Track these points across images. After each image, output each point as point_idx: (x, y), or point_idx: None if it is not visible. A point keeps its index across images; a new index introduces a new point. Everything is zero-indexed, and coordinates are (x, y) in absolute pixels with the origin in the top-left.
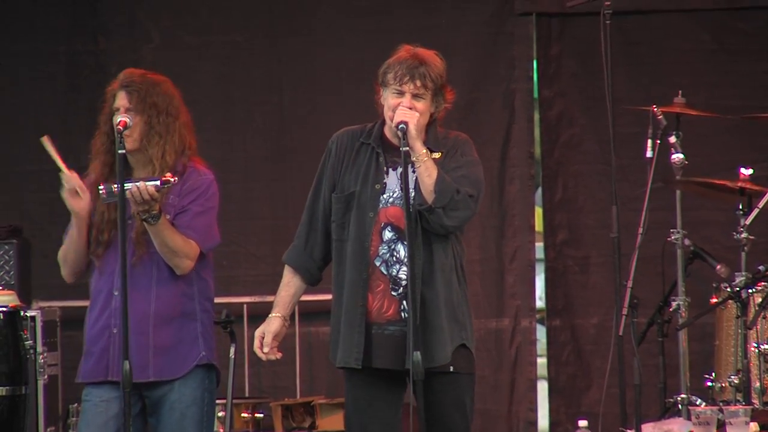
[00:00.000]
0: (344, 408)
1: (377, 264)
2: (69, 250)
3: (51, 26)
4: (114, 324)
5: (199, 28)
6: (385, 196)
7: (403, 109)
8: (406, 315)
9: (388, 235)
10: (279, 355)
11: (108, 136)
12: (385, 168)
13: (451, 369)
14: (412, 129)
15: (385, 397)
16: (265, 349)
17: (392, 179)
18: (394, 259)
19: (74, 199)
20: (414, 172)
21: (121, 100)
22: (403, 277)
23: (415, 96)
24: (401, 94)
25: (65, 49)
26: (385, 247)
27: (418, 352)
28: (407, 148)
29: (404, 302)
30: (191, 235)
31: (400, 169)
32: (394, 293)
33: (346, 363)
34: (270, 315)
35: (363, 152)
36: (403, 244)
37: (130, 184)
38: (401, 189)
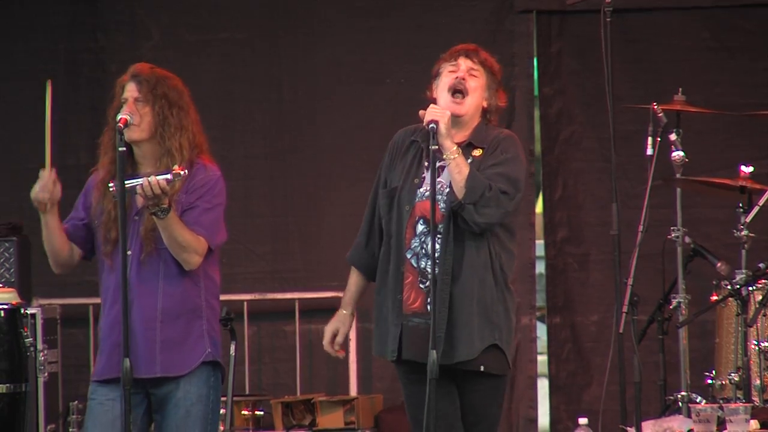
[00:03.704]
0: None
1: (408, 256)
2: (45, 242)
3: (50, 24)
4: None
5: (199, 26)
6: (421, 189)
7: (434, 108)
8: (430, 309)
9: (420, 228)
10: (343, 354)
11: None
12: (426, 162)
13: (482, 368)
14: (442, 128)
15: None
16: (336, 347)
17: (429, 175)
18: (423, 252)
19: (40, 198)
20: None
21: (130, 90)
22: (430, 270)
23: (470, 72)
24: (457, 67)
25: (65, 48)
26: (417, 241)
27: (434, 351)
28: (436, 147)
29: (430, 296)
30: (199, 231)
31: (439, 164)
32: (421, 285)
33: (382, 354)
34: (340, 311)
35: (412, 149)
36: (435, 239)
37: (141, 179)
38: (439, 184)
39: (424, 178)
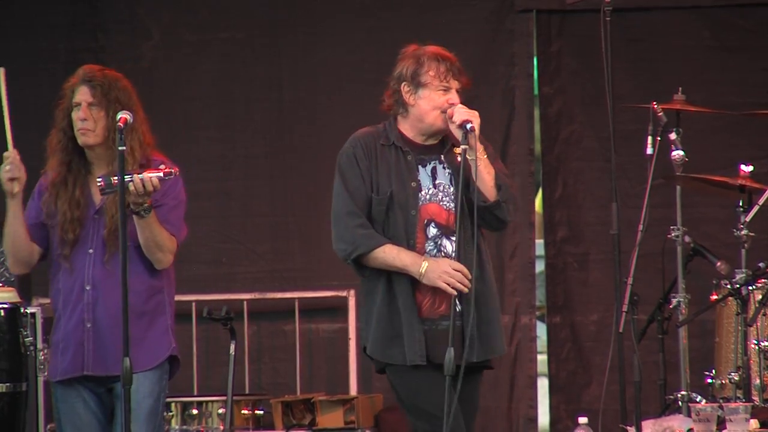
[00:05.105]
0: (403, 402)
1: None
2: (10, 236)
3: (50, 24)
4: (88, 318)
5: (199, 26)
6: (422, 193)
7: (463, 108)
8: (459, 308)
9: (432, 231)
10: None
11: (65, 133)
12: (419, 166)
13: (492, 366)
14: (477, 128)
15: (438, 377)
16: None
17: (423, 177)
18: (442, 254)
19: (12, 181)
20: (445, 168)
21: (83, 94)
22: None
23: (457, 91)
24: (447, 90)
25: (65, 47)
26: (431, 244)
27: (452, 348)
28: (466, 146)
29: (455, 297)
30: (169, 229)
31: (429, 166)
32: None
33: (412, 361)
34: (423, 263)
35: (387, 153)
36: (448, 239)
37: (132, 177)
38: (435, 186)
39: (420, 181)
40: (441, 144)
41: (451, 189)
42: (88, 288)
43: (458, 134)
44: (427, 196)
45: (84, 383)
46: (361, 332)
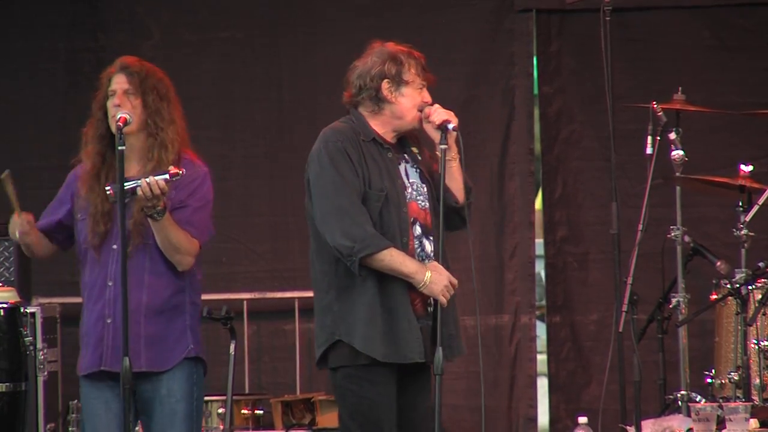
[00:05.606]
0: (357, 402)
1: None
2: (23, 248)
3: (50, 23)
4: (108, 314)
5: (199, 25)
6: (407, 191)
7: (440, 107)
8: (431, 309)
9: (417, 230)
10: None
11: (101, 122)
12: (399, 164)
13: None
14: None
15: (394, 390)
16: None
17: (402, 174)
18: (425, 254)
19: (24, 241)
20: (414, 168)
21: (120, 83)
22: None
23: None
24: (423, 87)
25: (65, 46)
26: (417, 242)
27: (441, 348)
28: (445, 146)
29: (430, 297)
30: (191, 231)
31: (403, 165)
32: None
33: (412, 359)
34: (426, 272)
35: (370, 150)
36: (428, 239)
37: (139, 180)
38: (411, 185)
39: (402, 178)
40: (400, 143)
41: (424, 188)
42: (110, 284)
43: (433, 134)
44: (408, 195)
45: (107, 382)
46: (336, 327)
